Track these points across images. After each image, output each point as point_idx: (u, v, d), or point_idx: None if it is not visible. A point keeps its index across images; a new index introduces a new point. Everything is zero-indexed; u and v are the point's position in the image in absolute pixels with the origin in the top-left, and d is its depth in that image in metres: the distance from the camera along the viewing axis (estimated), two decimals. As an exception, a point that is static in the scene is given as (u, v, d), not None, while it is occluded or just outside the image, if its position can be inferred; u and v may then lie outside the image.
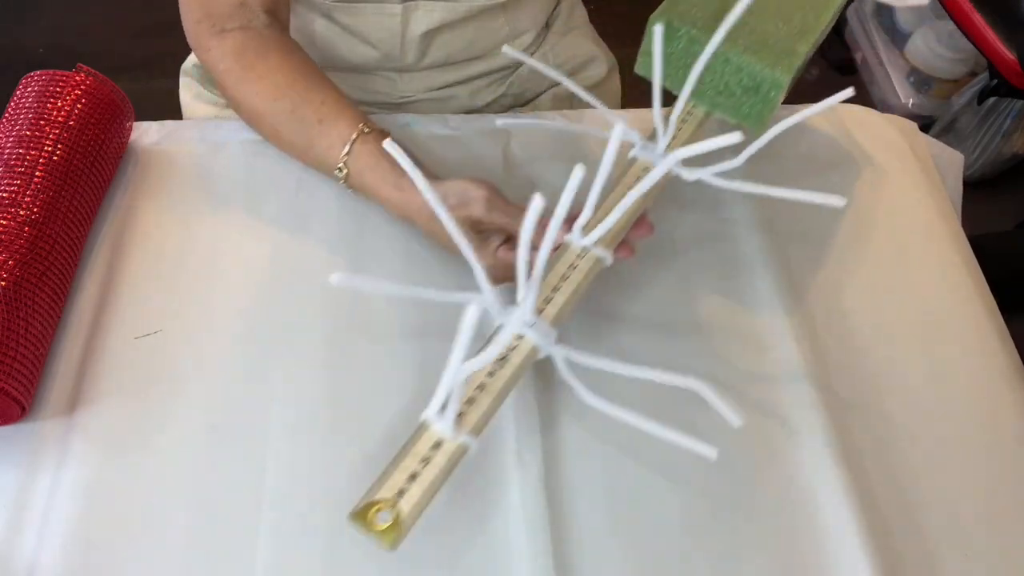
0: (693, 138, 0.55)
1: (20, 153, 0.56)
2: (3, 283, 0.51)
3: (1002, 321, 0.60)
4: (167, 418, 0.52)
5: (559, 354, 0.46)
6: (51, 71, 0.61)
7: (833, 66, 1.79)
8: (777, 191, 0.46)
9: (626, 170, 0.53)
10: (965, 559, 0.49)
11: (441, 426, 0.41)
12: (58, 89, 0.60)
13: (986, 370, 0.56)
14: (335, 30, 0.71)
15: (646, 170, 0.52)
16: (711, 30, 0.49)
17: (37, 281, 0.53)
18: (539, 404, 0.53)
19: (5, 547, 0.47)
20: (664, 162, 0.48)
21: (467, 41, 0.73)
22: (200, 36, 0.61)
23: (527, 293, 0.43)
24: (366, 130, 0.56)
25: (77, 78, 0.61)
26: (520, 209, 0.53)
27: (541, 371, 0.54)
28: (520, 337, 0.45)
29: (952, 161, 0.71)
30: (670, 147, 0.53)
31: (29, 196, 0.55)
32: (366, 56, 0.72)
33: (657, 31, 0.49)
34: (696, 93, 0.54)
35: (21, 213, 0.54)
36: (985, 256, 0.65)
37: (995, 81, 1.41)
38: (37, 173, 0.56)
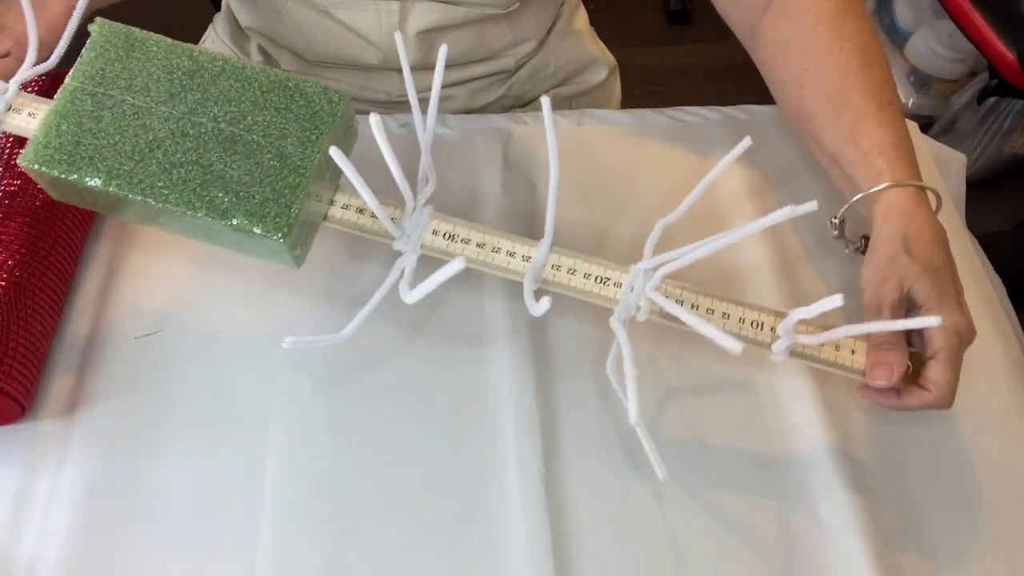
0: None
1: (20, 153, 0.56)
2: (3, 283, 0.51)
3: (1004, 321, 0.60)
4: (167, 418, 0.52)
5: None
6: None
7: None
8: None
9: None
10: (965, 559, 0.49)
11: None
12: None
13: (988, 370, 0.56)
14: (335, 27, 0.71)
15: None
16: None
17: (37, 281, 0.53)
18: (539, 405, 0.53)
19: (5, 547, 0.47)
20: None
21: (470, 46, 0.73)
22: None
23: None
24: None
25: (77, 78, 0.61)
26: None
27: (541, 373, 0.54)
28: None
29: (954, 162, 0.71)
30: None
31: (29, 196, 0.55)
32: (366, 54, 0.72)
33: None
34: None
35: (21, 213, 0.54)
36: (985, 256, 0.65)
37: (995, 81, 1.40)
38: (37, 173, 0.56)
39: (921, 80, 1.63)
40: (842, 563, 0.48)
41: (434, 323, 0.56)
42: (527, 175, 0.65)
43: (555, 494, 0.50)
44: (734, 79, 1.65)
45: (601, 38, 0.87)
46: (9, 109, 0.48)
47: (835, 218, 0.51)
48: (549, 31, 0.80)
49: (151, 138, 0.45)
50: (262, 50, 0.79)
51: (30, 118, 0.48)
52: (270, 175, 0.45)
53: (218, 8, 0.83)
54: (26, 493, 0.49)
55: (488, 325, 0.56)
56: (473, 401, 0.53)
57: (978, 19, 1.14)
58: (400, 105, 0.77)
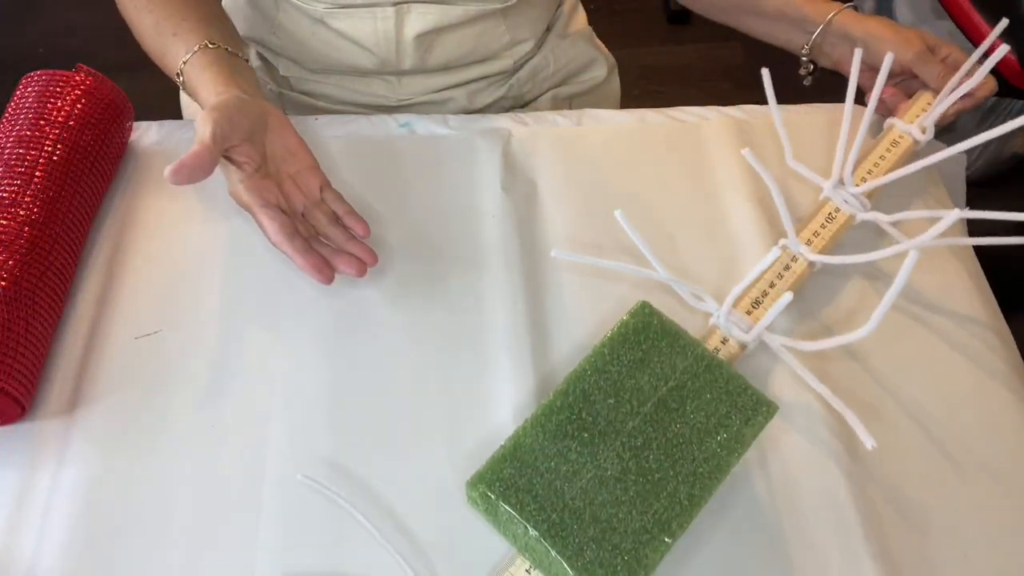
0: None
1: (20, 153, 0.56)
2: (3, 283, 0.51)
3: (1003, 321, 0.60)
4: (167, 418, 0.52)
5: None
6: (51, 71, 0.61)
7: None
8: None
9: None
10: (965, 560, 0.49)
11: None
12: (58, 89, 0.60)
13: (986, 370, 0.56)
14: (330, 35, 0.71)
15: (724, 342, 0.54)
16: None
17: (37, 281, 0.53)
18: (537, 389, 0.53)
19: (5, 547, 0.47)
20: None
21: (468, 47, 0.73)
22: None
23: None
24: (210, 46, 0.59)
25: (77, 78, 0.61)
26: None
27: (540, 357, 0.54)
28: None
29: (954, 162, 0.71)
30: None
31: (29, 196, 0.55)
32: (362, 60, 0.72)
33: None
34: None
35: (21, 213, 0.54)
36: (986, 256, 0.65)
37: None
38: (37, 173, 0.56)
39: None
40: (844, 568, 0.48)
41: (432, 325, 0.56)
42: (527, 175, 0.65)
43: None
44: (734, 79, 1.65)
45: (601, 38, 0.87)
46: None
47: (804, 56, 0.69)
48: (548, 31, 0.80)
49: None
50: (261, 56, 0.79)
51: None
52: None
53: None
54: (26, 493, 0.49)
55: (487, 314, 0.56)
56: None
57: (978, 19, 1.14)
58: (397, 109, 0.77)
